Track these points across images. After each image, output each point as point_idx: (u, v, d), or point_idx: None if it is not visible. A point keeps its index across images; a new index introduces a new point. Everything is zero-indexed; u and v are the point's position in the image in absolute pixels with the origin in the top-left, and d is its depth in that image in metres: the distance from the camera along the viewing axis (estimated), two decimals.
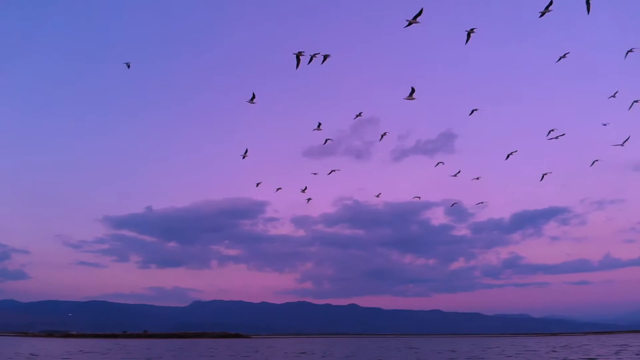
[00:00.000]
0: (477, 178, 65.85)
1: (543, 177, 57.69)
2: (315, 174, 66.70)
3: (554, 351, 58.04)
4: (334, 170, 64.54)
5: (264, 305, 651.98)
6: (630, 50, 40.17)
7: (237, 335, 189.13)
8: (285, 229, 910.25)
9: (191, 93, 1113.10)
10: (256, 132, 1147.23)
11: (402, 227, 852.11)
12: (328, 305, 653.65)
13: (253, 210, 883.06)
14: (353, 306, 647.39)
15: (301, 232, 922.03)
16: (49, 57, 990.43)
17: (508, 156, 55.84)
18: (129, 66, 43.09)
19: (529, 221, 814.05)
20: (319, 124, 52.07)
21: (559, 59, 42.17)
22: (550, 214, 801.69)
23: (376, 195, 72.59)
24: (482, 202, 66.01)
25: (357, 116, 50.64)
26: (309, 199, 68.45)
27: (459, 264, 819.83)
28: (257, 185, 67.60)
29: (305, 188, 65.00)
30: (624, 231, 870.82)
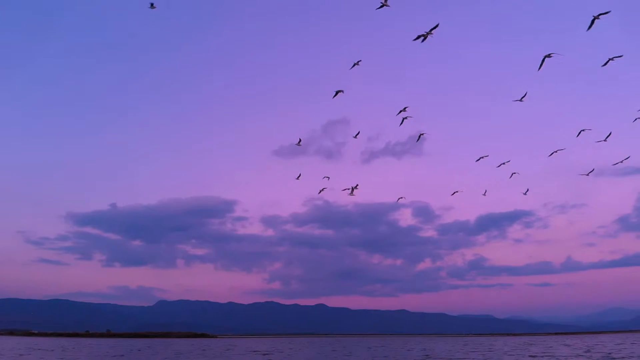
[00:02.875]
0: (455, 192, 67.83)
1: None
2: (326, 177, 63.92)
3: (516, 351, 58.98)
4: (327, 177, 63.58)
5: (231, 306, 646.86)
6: (548, 56, 39.42)
7: (203, 335, 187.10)
8: (254, 229, 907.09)
9: (161, 92, 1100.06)
10: (227, 130, 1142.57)
11: (370, 227, 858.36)
12: (296, 305, 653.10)
13: (221, 209, 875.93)
14: (321, 306, 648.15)
15: (270, 232, 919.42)
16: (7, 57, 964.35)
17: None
18: (153, 6, 40.99)
19: (493, 224, 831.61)
20: (300, 140, 52.85)
21: (542, 61, 40.96)
22: (515, 217, 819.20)
23: (348, 190, 72.05)
24: (457, 192, 66.95)
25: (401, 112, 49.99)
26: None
27: (425, 264, 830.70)
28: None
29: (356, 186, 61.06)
30: (585, 235, 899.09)
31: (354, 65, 45.96)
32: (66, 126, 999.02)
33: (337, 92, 46.71)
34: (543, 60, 38.65)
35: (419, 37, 36.11)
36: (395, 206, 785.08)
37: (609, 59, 40.08)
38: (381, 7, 35.93)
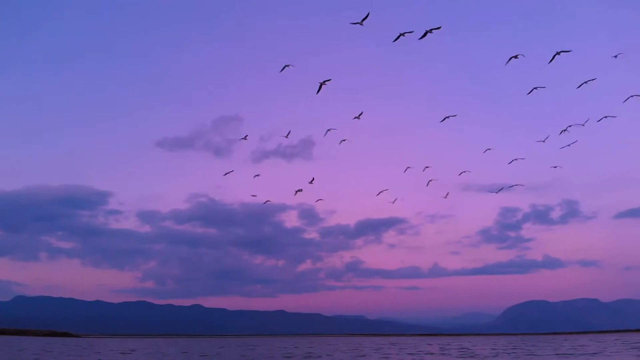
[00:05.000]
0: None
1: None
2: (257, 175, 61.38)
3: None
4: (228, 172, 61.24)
5: (99, 304, 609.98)
6: (515, 57, 40.87)
7: (65, 334, 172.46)
8: (129, 224, 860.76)
9: (39, 76, 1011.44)
10: (107, 117, 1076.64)
11: (256, 228, 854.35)
12: (170, 305, 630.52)
13: (93, 200, 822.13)
14: (197, 306, 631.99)
15: (147, 228, 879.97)
16: None
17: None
18: None
19: (371, 229, 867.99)
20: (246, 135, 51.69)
21: (509, 60, 41.16)
22: (390, 223, 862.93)
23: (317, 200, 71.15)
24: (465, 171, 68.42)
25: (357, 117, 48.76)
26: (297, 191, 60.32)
27: (306, 265, 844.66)
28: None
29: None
30: (451, 244, 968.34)
31: (283, 68, 44.57)
32: None
33: (321, 85, 43.82)
34: (510, 60, 39.58)
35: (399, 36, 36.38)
36: (282, 207, 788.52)
37: (557, 53, 41.08)
38: (361, 21, 35.50)
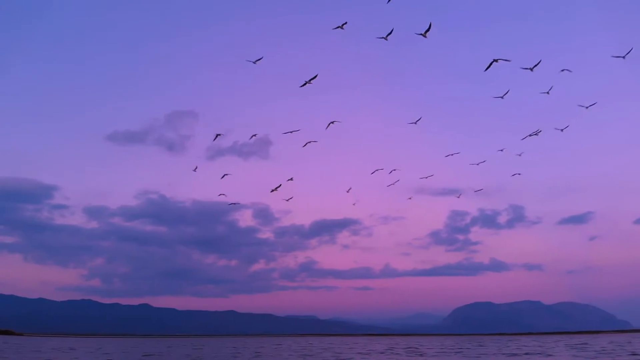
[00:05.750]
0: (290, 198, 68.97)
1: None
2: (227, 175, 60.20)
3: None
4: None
5: (42, 302, 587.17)
6: (495, 61, 41.16)
7: (6, 332, 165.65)
8: (76, 219, 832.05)
9: None
10: (54, 109, 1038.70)
11: (208, 226, 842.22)
12: (117, 304, 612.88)
13: (38, 194, 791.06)
14: (145, 306, 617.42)
15: (94, 224, 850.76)
16: None
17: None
18: None
19: (325, 229, 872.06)
20: (217, 135, 51.11)
21: (490, 64, 40.95)
22: (345, 224, 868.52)
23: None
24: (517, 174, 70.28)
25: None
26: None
27: (259, 265, 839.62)
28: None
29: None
30: (402, 245, 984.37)
31: (256, 60, 43.84)
32: None
33: (306, 82, 42.24)
34: (490, 64, 39.72)
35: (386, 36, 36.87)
36: (236, 206, 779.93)
37: (493, 61, 41.46)
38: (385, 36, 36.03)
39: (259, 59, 43.22)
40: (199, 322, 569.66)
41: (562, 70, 54.78)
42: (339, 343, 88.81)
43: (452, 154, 64.84)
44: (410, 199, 72.58)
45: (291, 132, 51.76)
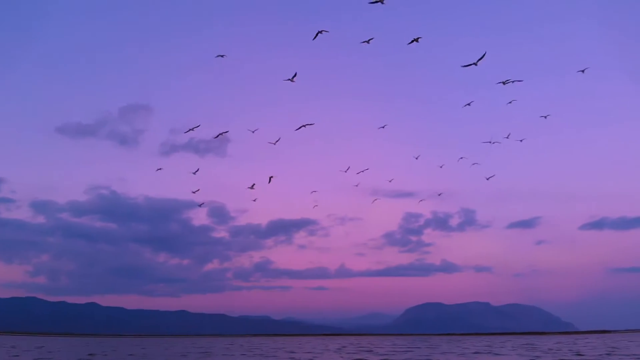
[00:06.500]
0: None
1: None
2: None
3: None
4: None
5: None
6: (476, 63, 40.80)
7: None
8: (22, 213, 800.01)
9: None
10: (1, 98, 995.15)
11: (160, 224, 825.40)
12: (63, 302, 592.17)
13: None
14: (93, 304, 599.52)
15: (41, 219, 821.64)
16: None
17: (270, 179, 56.96)
18: None
19: (282, 229, 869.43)
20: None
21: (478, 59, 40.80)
22: (302, 224, 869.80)
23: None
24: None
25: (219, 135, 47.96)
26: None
27: (213, 265, 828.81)
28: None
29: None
30: (358, 245, 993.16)
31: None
32: None
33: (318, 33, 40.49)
34: (479, 59, 39.69)
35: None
36: (191, 204, 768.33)
37: (415, 39, 41.79)
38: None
39: (294, 76, 42.61)
40: (149, 321, 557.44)
41: (506, 82, 56.31)
42: (291, 343, 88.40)
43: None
44: (375, 200, 73.43)
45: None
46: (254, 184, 56.95)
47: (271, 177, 57.51)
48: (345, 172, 64.80)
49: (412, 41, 39.78)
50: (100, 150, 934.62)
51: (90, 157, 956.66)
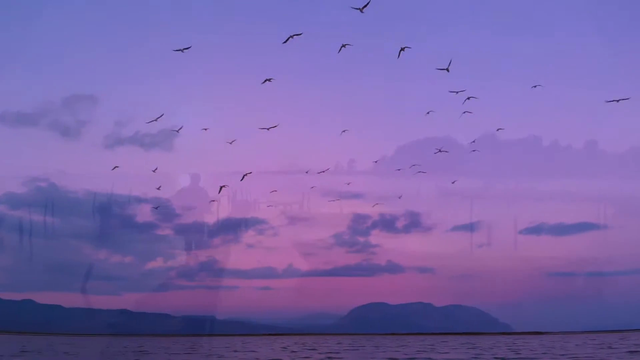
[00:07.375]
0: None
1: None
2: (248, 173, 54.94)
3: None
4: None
5: None
6: (447, 68, 40.75)
7: None
8: None
9: None
10: None
11: (102, 220, 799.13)
12: None
13: None
14: (28, 301, 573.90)
15: None
16: None
17: (243, 177, 55.34)
18: None
19: (231, 227, 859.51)
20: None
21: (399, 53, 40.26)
22: (251, 223, 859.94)
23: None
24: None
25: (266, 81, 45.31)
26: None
27: (157, 263, 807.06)
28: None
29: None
30: (307, 245, 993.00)
31: (182, 50, 41.18)
32: None
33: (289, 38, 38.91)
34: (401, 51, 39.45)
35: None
36: (136, 199, 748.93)
37: (402, 48, 41.19)
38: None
39: (186, 48, 41.04)
40: (87, 320, 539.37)
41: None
42: (236, 342, 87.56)
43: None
44: (333, 201, 73.93)
45: (156, 119, 49.45)
46: (222, 187, 55.61)
47: (222, 186, 56.22)
48: (306, 173, 64.51)
49: (401, 51, 39.78)
50: (41, 141, 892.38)
51: (29, 148, 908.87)
